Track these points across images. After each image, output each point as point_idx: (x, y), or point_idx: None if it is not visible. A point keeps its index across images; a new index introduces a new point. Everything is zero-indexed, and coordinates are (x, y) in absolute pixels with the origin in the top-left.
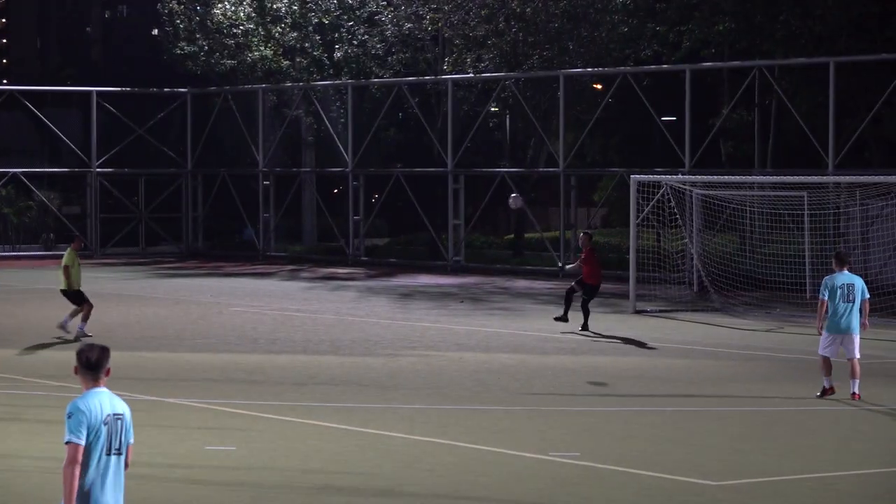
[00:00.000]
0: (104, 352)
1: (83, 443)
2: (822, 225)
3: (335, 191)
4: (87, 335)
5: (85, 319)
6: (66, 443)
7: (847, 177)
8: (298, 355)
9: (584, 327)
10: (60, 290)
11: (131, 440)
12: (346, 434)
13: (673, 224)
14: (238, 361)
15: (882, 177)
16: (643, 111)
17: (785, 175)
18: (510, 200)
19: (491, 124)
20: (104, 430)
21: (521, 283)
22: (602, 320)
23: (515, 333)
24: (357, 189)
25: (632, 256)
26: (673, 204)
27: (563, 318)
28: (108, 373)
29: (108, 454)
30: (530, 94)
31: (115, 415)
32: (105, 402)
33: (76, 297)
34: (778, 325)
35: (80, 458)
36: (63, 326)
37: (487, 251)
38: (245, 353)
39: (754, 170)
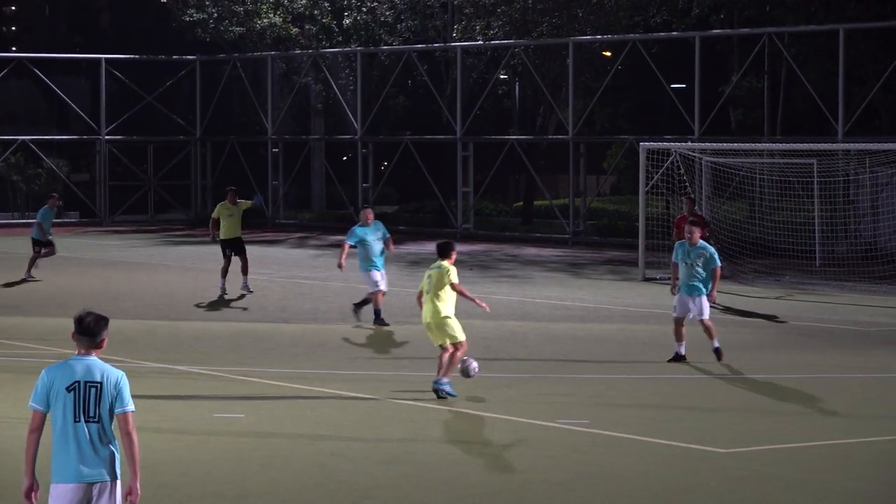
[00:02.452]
0: (101, 321)
1: (40, 409)
2: (831, 192)
3: (344, 158)
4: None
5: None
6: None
7: (856, 144)
8: (308, 323)
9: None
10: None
11: (126, 408)
12: (355, 402)
13: (683, 192)
14: (247, 329)
15: (892, 144)
16: (652, 78)
17: (794, 142)
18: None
19: (500, 92)
20: (69, 397)
21: (530, 251)
22: (610, 288)
23: (524, 301)
24: (366, 156)
25: (641, 224)
26: (682, 171)
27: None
28: (101, 344)
29: (77, 421)
30: (540, 62)
31: (87, 382)
32: (80, 369)
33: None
34: (787, 293)
35: (35, 424)
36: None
37: (496, 218)
38: (254, 321)
39: (764, 137)
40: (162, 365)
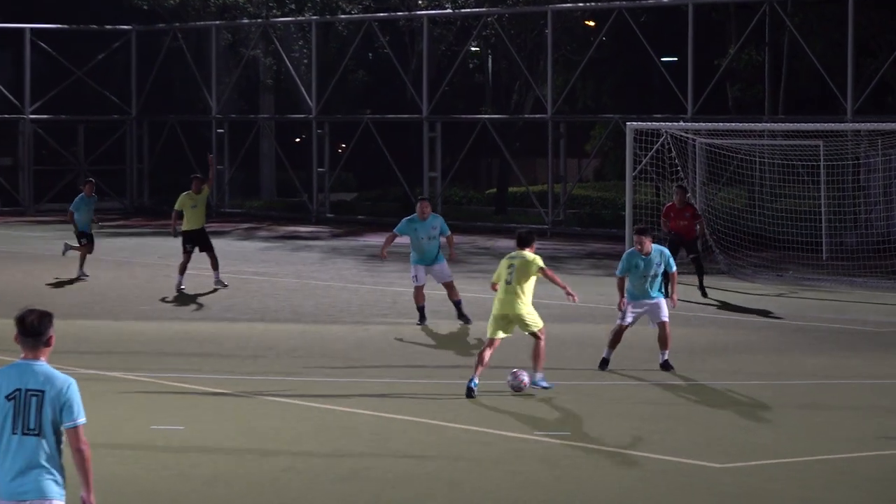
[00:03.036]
0: (45, 317)
1: None
2: (839, 178)
3: (297, 140)
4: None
5: None
6: None
7: (868, 124)
8: (256, 324)
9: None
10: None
11: (77, 421)
12: (309, 411)
13: (674, 177)
14: (188, 330)
15: None
16: (641, 51)
17: (798, 122)
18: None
19: (471, 66)
20: (9, 406)
21: (505, 243)
22: (593, 284)
23: None
24: (321, 138)
25: (628, 213)
26: (674, 154)
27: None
28: (49, 342)
29: (15, 433)
30: (515, 32)
31: (28, 391)
32: (20, 376)
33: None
34: (790, 290)
35: None
36: None
37: (467, 207)
38: (196, 321)
39: (764, 116)
40: (92, 371)
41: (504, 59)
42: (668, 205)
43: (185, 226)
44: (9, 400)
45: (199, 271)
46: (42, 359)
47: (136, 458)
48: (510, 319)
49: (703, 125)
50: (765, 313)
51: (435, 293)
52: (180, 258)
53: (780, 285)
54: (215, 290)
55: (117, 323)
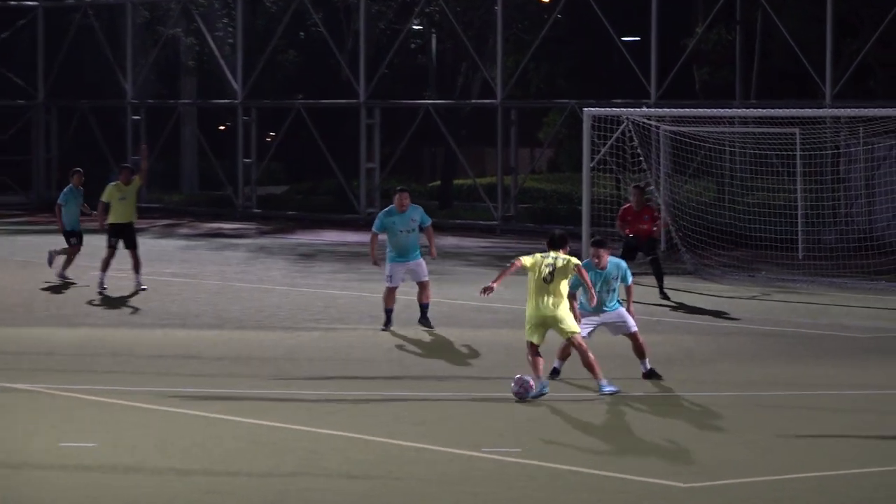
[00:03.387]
0: None
1: None
2: (817, 169)
3: (221, 127)
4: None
5: None
6: None
7: (848, 110)
8: (175, 330)
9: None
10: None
11: None
12: (235, 427)
13: (636, 168)
14: (101, 338)
15: (890, 109)
16: (599, 30)
17: (772, 108)
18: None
19: (413, 46)
20: None
21: (449, 241)
22: None
23: (442, 302)
24: (248, 125)
25: (585, 208)
26: (636, 143)
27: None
28: None
29: None
30: (461, 10)
31: None
32: None
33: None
34: (763, 292)
35: None
36: None
37: None
38: (109, 327)
39: (735, 101)
40: None
41: (449, 39)
42: (625, 207)
43: (112, 219)
44: None
45: (115, 272)
46: None
47: (44, 479)
48: (547, 324)
49: (667, 111)
50: (735, 318)
51: (372, 296)
52: (103, 253)
53: (751, 287)
54: (137, 293)
55: (22, 329)
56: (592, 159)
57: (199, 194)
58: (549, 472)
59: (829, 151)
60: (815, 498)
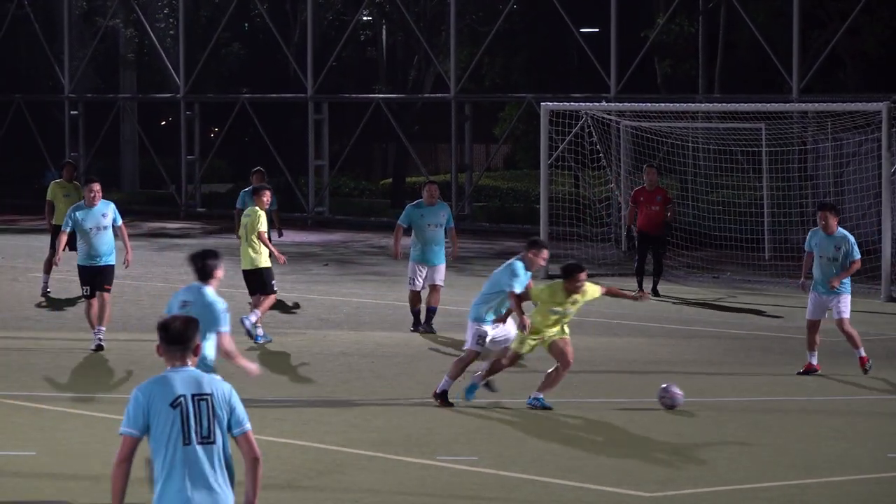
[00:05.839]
0: (190, 323)
1: (135, 433)
2: (784, 165)
3: (163, 123)
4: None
5: None
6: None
7: (816, 104)
8: (117, 333)
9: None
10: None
11: (244, 426)
12: None
13: (596, 165)
14: (39, 342)
15: (859, 104)
16: (557, 22)
17: (737, 102)
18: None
19: (363, 38)
20: (176, 414)
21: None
22: None
23: (393, 305)
24: (191, 121)
25: (543, 206)
26: (595, 139)
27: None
28: (197, 350)
29: (188, 444)
30: (413, 0)
31: (195, 395)
32: (181, 382)
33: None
34: (729, 293)
35: (127, 452)
36: None
37: (358, 200)
38: (47, 330)
39: (698, 95)
40: None
41: (400, 31)
42: (638, 188)
43: (57, 219)
44: (174, 407)
45: (61, 274)
46: (191, 364)
47: None
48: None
49: (628, 105)
50: (699, 321)
51: (320, 298)
52: (46, 254)
53: (716, 289)
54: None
55: None
56: (550, 156)
57: (140, 193)
58: (505, 481)
59: (797, 147)
60: None
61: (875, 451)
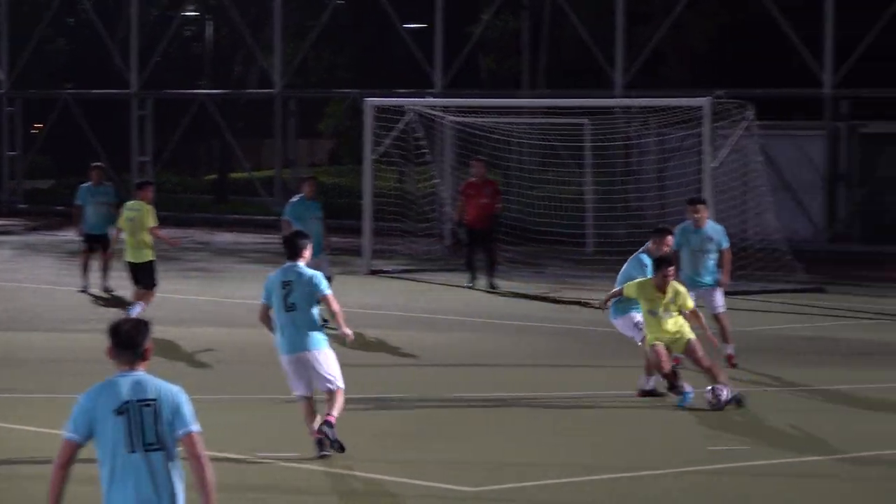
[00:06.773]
0: (140, 326)
1: (76, 439)
2: (607, 161)
3: None
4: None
5: None
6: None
7: (639, 99)
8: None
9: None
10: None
11: (189, 428)
12: (6, 434)
13: (420, 161)
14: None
15: (682, 99)
16: (382, 17)
17: (561, 97)
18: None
19: (188, 33)
20: (120, 421)
21: (225, 237)
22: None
23: (218, 301)
24: (12, 116)
25: (366, 202)
26: (420, 135)
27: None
28: (146, 354)
29: (133, 451)
30: None
31: (140, 401)
32: (127, 387)
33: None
34: (553, 288)
35: (66, 457)
36: None
37: (182, 196)
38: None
39: (522, 91)
40: None
41: (225, 26)
42: (467, 182)
43: None
44: (119, 414)
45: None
46: (141, 369)
47: None
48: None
49: (453, 101)
50: (522, 316)
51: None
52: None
53: (539, 283)
54: None
55: None
56: (375, 151)
57: None
58: (326, 476)
59: (620, 143)
60: (605, 499)
61: (698, 444)
